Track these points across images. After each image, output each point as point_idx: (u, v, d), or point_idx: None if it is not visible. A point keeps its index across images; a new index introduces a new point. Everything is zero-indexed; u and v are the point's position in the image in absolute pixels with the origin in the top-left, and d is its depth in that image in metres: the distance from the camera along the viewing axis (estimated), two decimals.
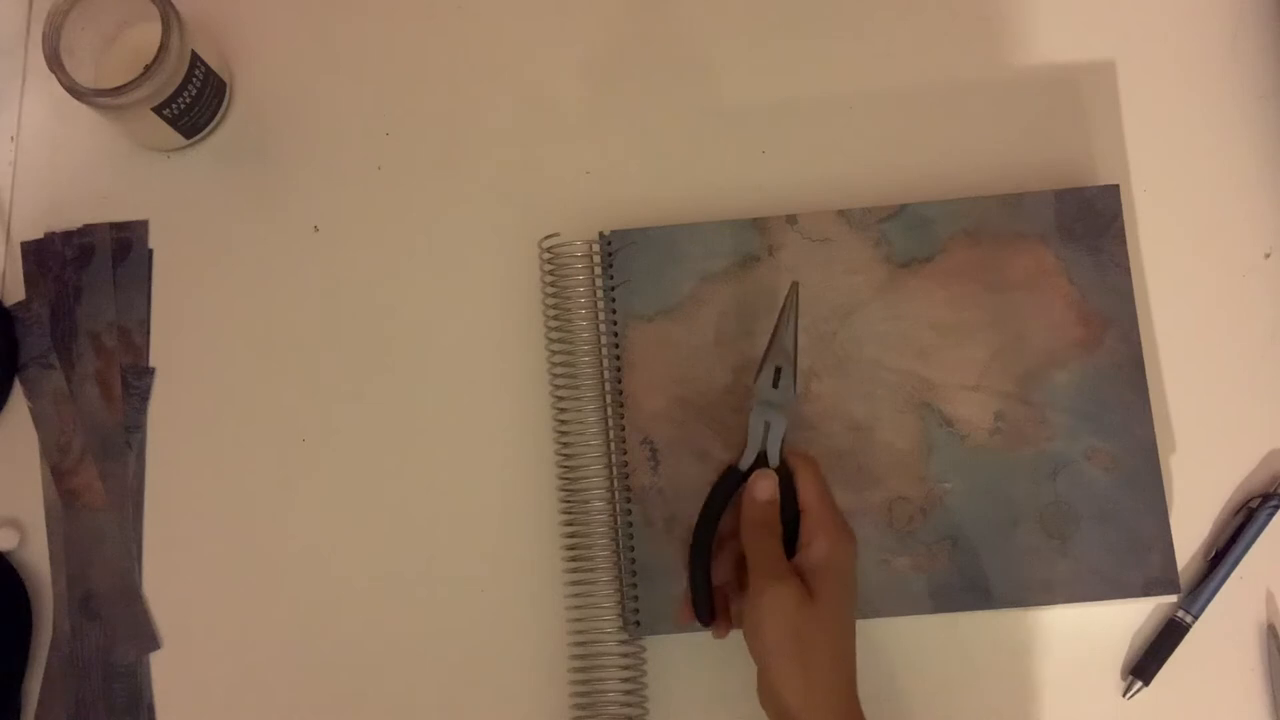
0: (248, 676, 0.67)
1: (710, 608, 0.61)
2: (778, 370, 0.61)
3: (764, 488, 0.59)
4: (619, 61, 0.74)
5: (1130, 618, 0.66)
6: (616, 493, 0.66)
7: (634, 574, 0.64)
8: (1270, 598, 0.66)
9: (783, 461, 0.60)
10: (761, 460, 0.61)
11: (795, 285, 0.62)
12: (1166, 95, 0.72)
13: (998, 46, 0.73)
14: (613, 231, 0.68)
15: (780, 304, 0.62)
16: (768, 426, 0.61)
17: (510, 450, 0.69)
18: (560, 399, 0.68)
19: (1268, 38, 0.72)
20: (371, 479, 0.69)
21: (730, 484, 0.61)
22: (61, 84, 0.66)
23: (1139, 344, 0.65)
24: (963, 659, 0.65)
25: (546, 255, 0.69)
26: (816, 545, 0.57)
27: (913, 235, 0.67)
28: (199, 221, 0.73)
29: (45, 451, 0.71)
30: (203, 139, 0.74)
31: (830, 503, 0.59)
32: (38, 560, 0.69)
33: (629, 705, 0.64)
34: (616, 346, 0.67)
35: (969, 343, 0.66)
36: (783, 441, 0.61)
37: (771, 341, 0.62)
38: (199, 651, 0.68)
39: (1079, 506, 0.64)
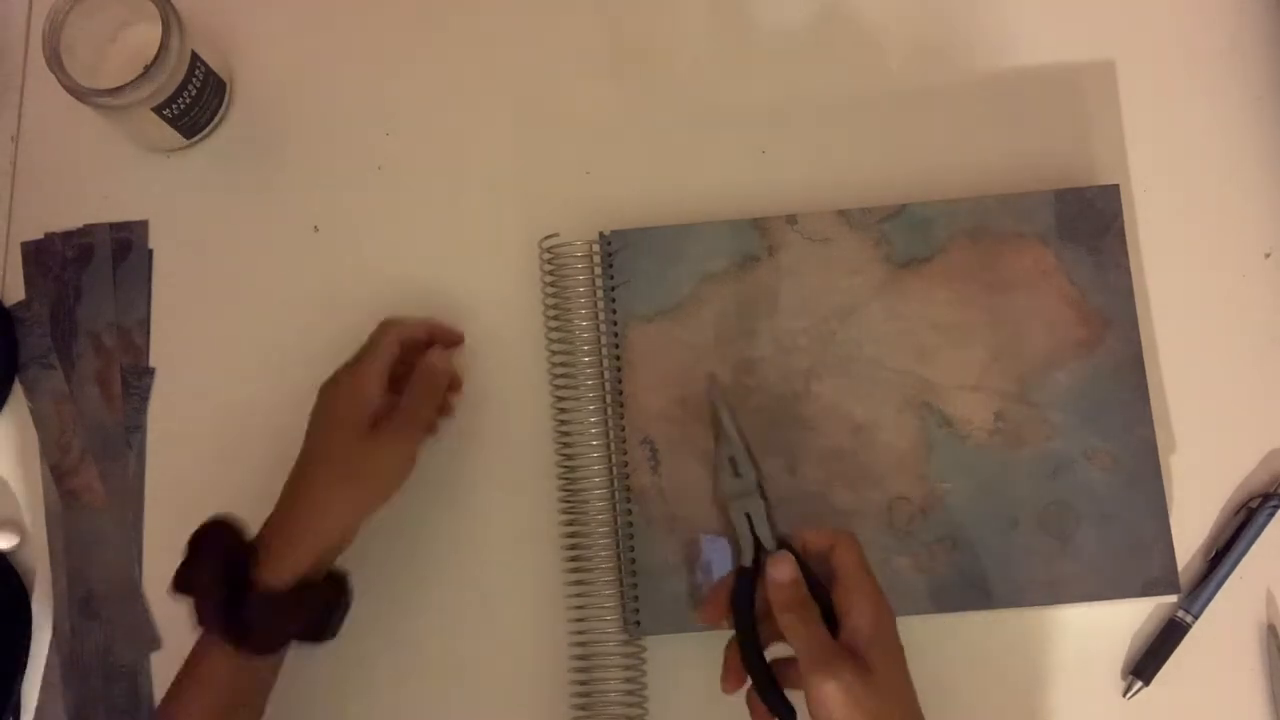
0: None
1: (788, 706, 0.57)
2: (732, 462, 0.62)
3: (785, 569, 0.57)
4: (619, 61, 0.74)
5: (1130, 618, 0.66)
6: (616, 493, 0.66)
7: (634, 574, 0.64)
8: (1270, 598, 0.66)
9: (783, 541, 0.59)
10: (761, 551, 0.59)
11: (712, 376, 0.65)
12: (1166, 95, 0.72)
13: (998, 47, 0.73)
14: (613, 231, 0.68)
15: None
16: (749, 517, 0.60)
17: (510, 450, 0.69)
18: (560, 399, 0.68)
19: (1268, 38, 0.72)
20: None
21: (746, 584, 0.59)
22: (61, 84, 0.66)
23: (1139, 344, 0.65)
24: (963, 659, 0.65)
25: (546, 255, 0.69)
26: (861, 616, 0.54)
27: (913, 235, 0.67)
28: (199, 221, 0.73)
29: (45, 451, 0.71)
30: (203, 139, 0.74)
31: (867, 568, 0.56)
32: (38, 560, 0.69)
33: (629, 705, 0.64)
34: (616, 346, 0.67)
35: (969, 343, 0.66)
36: (771, 522, 0.60)
37: (716, 440, 0.63)
38: None
39: (1079, 506, 0.64)
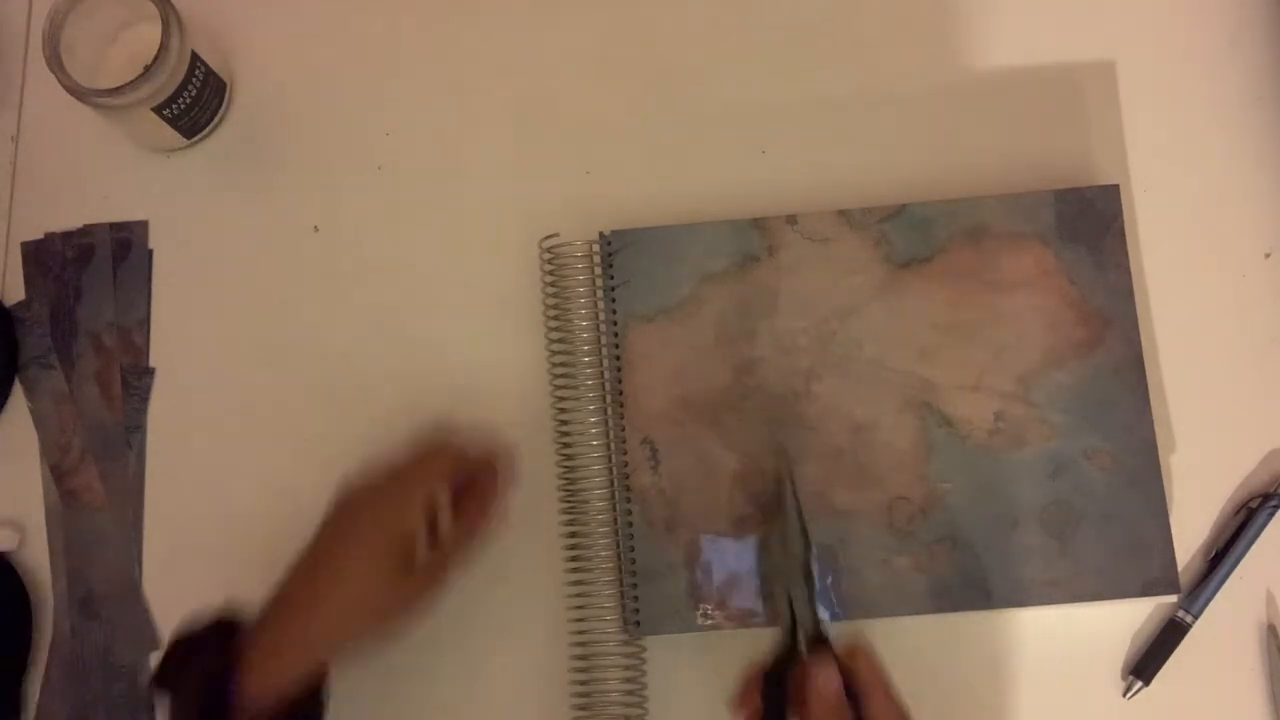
0: None
1: None
2: (783, 535, 0.60)
3: (831, 683, 0.55)
4: (619, 61, 0.74)
5: (1130, 618, 0.66)
6: (616, 493, 0.66)
7: (634, 574, 0.64)
8: (1270, 598, 0.66)
9: (820, 633, 0.58)
10: (799, 634, 0.58)
11: (781, 445, 0.64)
12: (1166, 95, 0.72)
13: (998, 47, 0.73)
14: (613, 231, 0.68)
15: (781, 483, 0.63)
16: (790, 597, 0.59)
17: (510, 450, 0.69)
18: (560, 399, 0.68)
19: (1268, 38, 0.72)
20: None
21: (780, 675, 0.57)
22: (61, 84, 0.66)
23: (1139, 344, 0.65)
24: (963, 659, 0.65)
25: (546, 255, 0.69)
26: None
27: (913, 235, 0.67)
28: (199, 221, 0.73)
29: (45, 451, 0.71)
30: (203, 139, 0.74)
31: (890, 684, 0.55)
32: (38, 560, 0.69)
33: (629, 705, 0.64)
34: (616, 346, 0.67)
35: (969, 343, 0.66)
36: (812, 609, 0.58)
37: (775, 509, 0.62)
38: None
39: (1079, 506, 0.64)
